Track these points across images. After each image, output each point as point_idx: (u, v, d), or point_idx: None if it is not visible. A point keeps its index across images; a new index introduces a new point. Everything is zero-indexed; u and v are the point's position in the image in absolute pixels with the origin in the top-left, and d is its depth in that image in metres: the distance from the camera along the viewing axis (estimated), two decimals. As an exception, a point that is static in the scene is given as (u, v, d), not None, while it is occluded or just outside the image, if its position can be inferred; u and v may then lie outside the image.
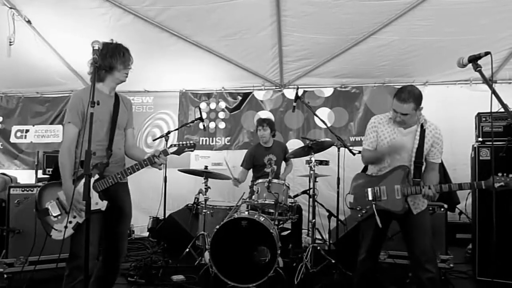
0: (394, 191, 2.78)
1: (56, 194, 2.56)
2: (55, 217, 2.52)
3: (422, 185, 2.71)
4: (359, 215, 2.96)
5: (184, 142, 2.60)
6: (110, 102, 2.70)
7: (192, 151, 2.63)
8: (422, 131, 2.79)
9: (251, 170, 5.13)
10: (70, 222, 2.47)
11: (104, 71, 2.64)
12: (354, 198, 3.02)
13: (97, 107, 2.47)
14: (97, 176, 2.52)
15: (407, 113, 2.71)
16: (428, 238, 2.77)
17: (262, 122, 4.98)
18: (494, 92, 1.81)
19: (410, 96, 2.68)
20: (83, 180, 2.33)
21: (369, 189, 2.88)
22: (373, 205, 2.83)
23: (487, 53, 1.95)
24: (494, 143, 3.78)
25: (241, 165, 5.13)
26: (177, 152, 2.60)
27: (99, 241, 2.58)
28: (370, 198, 2.87)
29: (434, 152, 2.83)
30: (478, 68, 1.96)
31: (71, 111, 2.57)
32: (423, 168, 2.82)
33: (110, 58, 2.60)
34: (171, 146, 2.61)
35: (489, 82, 1.84)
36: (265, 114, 6.15)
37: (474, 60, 1.97)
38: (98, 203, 2.48)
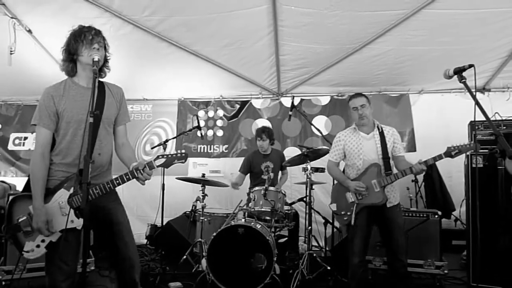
0: (372, 186, 3.21)
1: (28, 208, 2.22)
2: (27, 234, 2.22)
3: (394, 174, 3.16)
4: (345, 218, 3.32)
5: (173, 153, 2.25)
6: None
7: (183, 162, 2.27)
8: (381, 133, 3.34)
9: (248, 176, 5.20)
10: (43, 241, 2.20)
11: (69, 63, 2.35)
12: (337, 205, 3.43)
13: (71, 104, 2.27)
14: (72, 190, 2.23)
15: (363, 104, 3.34)
16: (402, 233, 3.27)
17: (261, 133, 5.00)
18: (477, 103, 1.88)
19: (360, 94, 3.45)
20: (57, 194, 2.21)
21: (347, 194, 3.32)
22: (355, 205, 3.24)
23: (470, 66, 2.05)
24: (486, 151, 3.83)
25: (239, 170, 5.21)
26: (165, 165, 2.24)
27: (76, 260, 2.29)
28: (351, 200, 3.28)
29: (398, 148, 3.37)
30: (463, 80, 2.07)
31: (40, 112, 2.26)
32: (390, 162, 3.28)
33: (74, 46, 2.32)
34: (157, 157, 2.23)
35: (473, 93, 1.92)
36: (262, 122, 6.20)
37: (459, 72, 2.08)
38: (74, 221, 2.17)
